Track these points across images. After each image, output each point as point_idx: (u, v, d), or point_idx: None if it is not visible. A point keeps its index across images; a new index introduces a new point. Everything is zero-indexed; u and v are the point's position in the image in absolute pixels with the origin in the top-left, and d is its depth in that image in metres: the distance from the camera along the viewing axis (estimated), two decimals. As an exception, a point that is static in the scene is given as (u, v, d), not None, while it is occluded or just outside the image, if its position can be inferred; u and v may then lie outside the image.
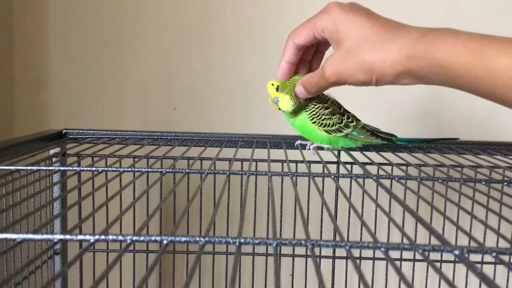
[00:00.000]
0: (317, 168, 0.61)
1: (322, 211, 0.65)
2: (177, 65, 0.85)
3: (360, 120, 0.54)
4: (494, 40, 0.33)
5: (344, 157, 0.52)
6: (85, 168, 0.41)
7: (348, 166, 0.57)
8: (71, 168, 0.43)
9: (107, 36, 0.84)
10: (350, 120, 0.52)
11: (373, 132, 0.54)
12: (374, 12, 0.42)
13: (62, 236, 0.25)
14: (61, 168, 0.42)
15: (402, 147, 0.57)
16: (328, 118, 0.51)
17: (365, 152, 0.53)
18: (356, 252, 0.68)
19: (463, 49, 0.33)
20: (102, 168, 0.41)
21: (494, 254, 0.25)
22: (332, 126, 0.51)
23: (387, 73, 0.38)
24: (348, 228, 0.64)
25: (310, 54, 0.49)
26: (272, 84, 0.49)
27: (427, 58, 0.35)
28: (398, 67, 0.38)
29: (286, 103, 0.49)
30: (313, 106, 0.51)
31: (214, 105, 0.85)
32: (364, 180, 0.42)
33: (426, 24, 0.38)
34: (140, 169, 0.40)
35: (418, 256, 0.65)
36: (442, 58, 0.34)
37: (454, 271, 0.66)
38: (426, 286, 0.67)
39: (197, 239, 0.25)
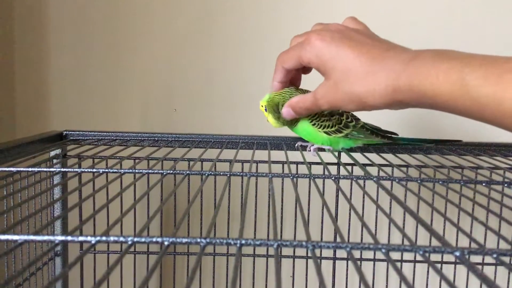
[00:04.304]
0: (317, 169, 0.61)
1: (322, 212, 0.65)
2: (178, 66, 0.85)
3: (359, 120, 0.54)
4: (475, 66, 0.32)
5: (345, 158, 0.52)
6: (85, 170, 0.41)
7: (349, 167, 0.57)
8: (71, 170, 0.44)
9: (108, 38, 0.84)
10: (349, 120, 0.52)
11: (373, 131, 0.54)
12: (357, 36, 0.41)
13: (63, 237, 0.25)
14: (62, 169, 0.42)
15: (403, 148, 0.57)
16: (327, 120, 0.51)
17: (365, 153, 0.53)
18: (356, 253, 0.68)
19: (446, 81, 0.33)
20: (103, 170, 0.41)
21: (494, 255, 0.25)
22: (331, 127, 0.51)
23: (378, 104, 0.39)
24: (349, 229, 0.64)
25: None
26: (262, 106, 0.51)
27: (413, 91, 0.36)
28: (387, 99, 0.38)
29: (272, 121, 0.52)
30: None
31: (214, 107, 0.85)
32: (364, 181, 0.42)
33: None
34: (140, 171, 0.40)
35: (418, 257, 0.65)
36: (427, 91, 0.35)
37: (454, 272, 0.66)
38: (426, 287, 0.67)
39: (198, 240, 0.25)
